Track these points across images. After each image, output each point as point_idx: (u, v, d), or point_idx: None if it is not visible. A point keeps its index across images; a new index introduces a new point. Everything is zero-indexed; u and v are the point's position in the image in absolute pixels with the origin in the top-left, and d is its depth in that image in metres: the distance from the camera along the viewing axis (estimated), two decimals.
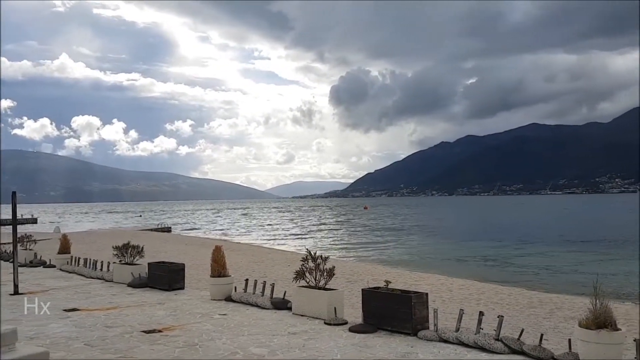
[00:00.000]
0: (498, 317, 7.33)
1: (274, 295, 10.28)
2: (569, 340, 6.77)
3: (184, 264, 13.16)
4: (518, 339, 7.05)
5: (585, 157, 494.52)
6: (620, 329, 6.15)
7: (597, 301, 6.20)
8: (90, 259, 15.91)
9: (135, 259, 13.80)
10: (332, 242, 41.83)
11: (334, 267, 9.32)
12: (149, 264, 13.04)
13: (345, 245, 38.98)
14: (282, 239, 46.39)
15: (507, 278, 21.20)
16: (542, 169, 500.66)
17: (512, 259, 28.49)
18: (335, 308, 8.75)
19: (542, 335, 7.21)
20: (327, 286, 9.19)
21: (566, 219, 75.78)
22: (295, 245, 37.78)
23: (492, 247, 35.22)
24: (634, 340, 6.07)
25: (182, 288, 12.43)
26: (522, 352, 6.82)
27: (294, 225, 69.44)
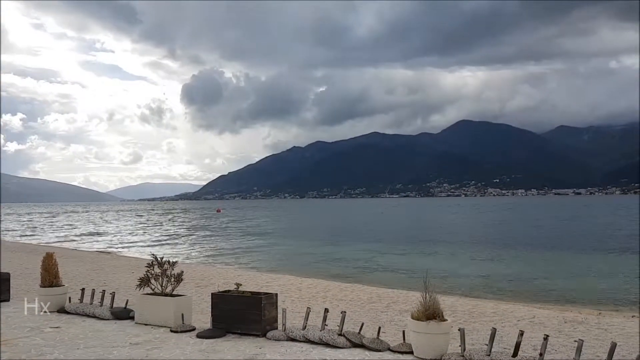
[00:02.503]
0: (341, 313, 7.73)
1: (115, 305, 9.63)
2: (403, 331, 7.39)
3: (8, 273, 11.70)
4: (359, 332, 7.51)
5: (418, 164, 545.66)
6: (447, 320, 6.87)
7: (427, 295, 6.87)
8: None
9: None
10: (182, 247, 40.44)
11: (182, 272, 9.02)
12: None
13: (196, 250, 37.94)
14: (126, 244, 43.59)
15: (351, 275, 22.48)
16: (382, 174, 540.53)
17: (356, 257, 30.22)
18: (182, 314, 8.46)
19: (379, 328, 7.78)
20: (174, 292, 8.87)
21: (407, 220, 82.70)
22: (140, 251, 35.75)
23: (339, 246, 37.04)
24: (459, 330, 6.82)
25: (8, 300, 11.07)
26: (362, 345, 7.28)
27: (140, 229, 65.70)
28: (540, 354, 6.09)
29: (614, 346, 5.86)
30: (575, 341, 6.19)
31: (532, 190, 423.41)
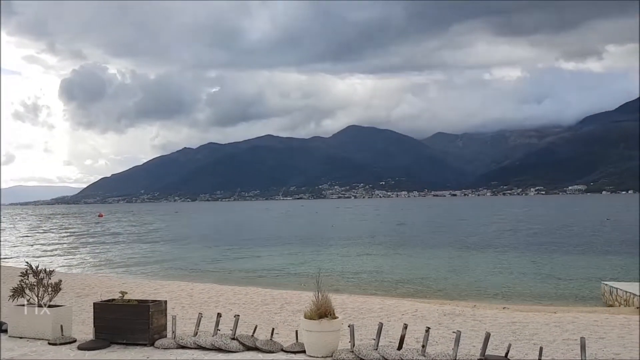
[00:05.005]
0: (234, 316, 7.67)
1: None
2: (296, 331, 7.52)
3: None
4: (252, 335, 7.50)
5: (310, 166, 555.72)
6: (338, 317, 7.11)
7: (319, 294, 7.05)
8: None
9: None
10: (61, 255, 37.45)
11: (60, 281, 8.39)
12: None
13: (75, 258, 35.36)
14: None
15: (244, 278, 22.35)
16: (275, 176, 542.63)
17: (249, 259, 30.08)
18: (61, 326, 7.87)
19: (273, 329, 7.83)
20: (52, 303, 8.23)
21: (300, 221, 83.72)
22: (13, 260, 32.54)
23: (232, 249, 36.58)
24: (349, 327, 7.08)
25: None
26: (255, 348, 7.28)
27: (12, 236, 59.75)
28: (423, 346, 6.52)
29: (488, 336, 6.46)
30: (453, 332, 6.71)
31: (414, 192, 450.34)
